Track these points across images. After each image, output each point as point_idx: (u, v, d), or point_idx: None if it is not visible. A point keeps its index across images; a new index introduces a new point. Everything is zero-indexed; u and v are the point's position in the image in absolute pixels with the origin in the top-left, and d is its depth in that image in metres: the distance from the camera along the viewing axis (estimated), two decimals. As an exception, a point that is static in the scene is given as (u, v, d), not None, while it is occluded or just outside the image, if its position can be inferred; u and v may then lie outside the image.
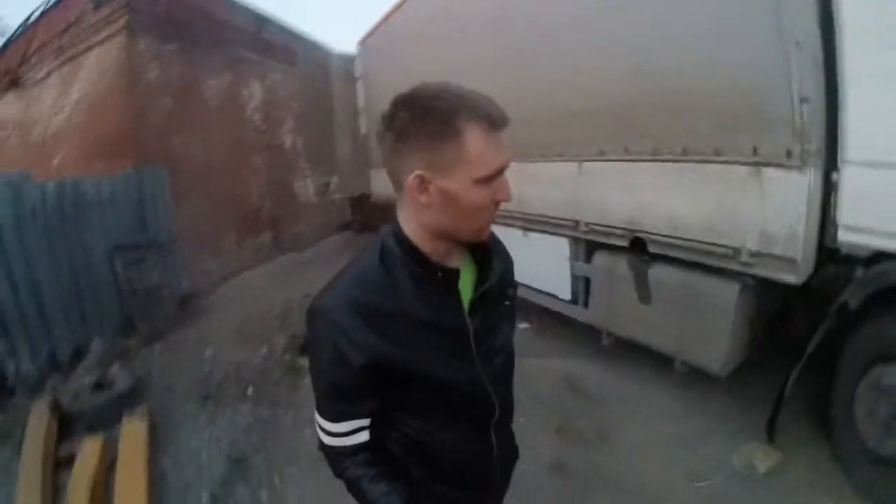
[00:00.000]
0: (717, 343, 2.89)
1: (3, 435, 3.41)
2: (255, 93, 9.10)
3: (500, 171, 0.83)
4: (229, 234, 8.42)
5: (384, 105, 0.85)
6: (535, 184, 3.98)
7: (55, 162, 7.45)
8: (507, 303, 1.04)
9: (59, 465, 2.96)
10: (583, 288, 3.83)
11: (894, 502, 2.26)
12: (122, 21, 6.61)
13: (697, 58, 2.72)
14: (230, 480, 2.76)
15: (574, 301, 3.91)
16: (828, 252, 2.47)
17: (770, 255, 2.55)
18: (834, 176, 2.34)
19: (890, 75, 2.07)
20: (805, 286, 2.53)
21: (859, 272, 2.34)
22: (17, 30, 8.53)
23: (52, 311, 4.62)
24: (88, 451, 2.87)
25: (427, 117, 0.78)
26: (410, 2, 5.79)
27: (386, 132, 0.83)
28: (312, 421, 2.94)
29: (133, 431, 3.05)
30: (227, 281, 7.64)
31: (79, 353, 4.60)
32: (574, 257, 3.86)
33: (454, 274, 0.90)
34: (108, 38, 6.80)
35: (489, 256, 0.97)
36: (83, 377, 3.96)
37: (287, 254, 9.21)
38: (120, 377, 3.88)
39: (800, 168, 2.36)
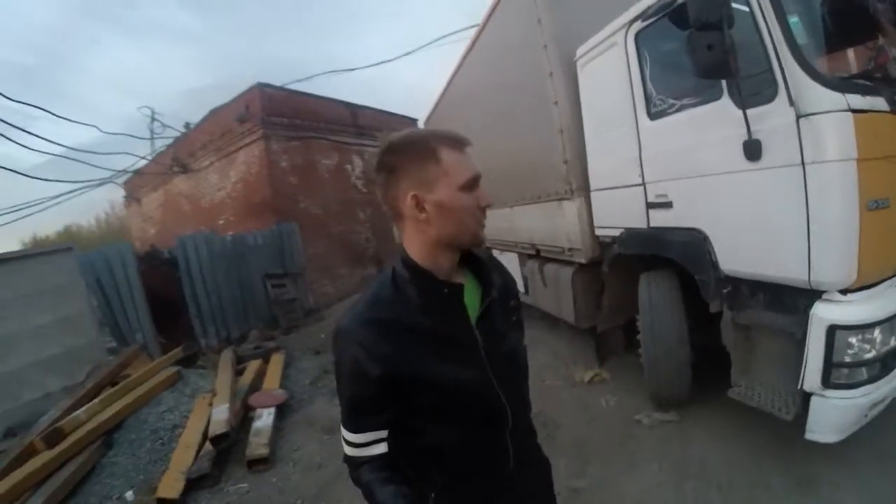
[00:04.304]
0: (568, 305, 4.16)
1: (203, 367, 5.99)
2: (356, 165, 12.05)
3: (475, 180, 0.94)
4: (342, 267, 11.13)
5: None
6: (499, 221, 5.76)
7: (221, 222, 10.74)
8: (514, 318, 1.11)
9: (237, 376, 5.39)
10: (524, 282, 5.34)
11: (657, 390, 3.25)
12: (259, 132, 9.71)
13: (530, 154, 4.42)
14: (320, 376, 5.15)
15: (525, 292, 5.32)
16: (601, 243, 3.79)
17: (573, 249, 3.97)
18: (590, 199, 3.73)
19: (601, 148, 3.54)
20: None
21: (611, 251, 3.61)
22: (180, 135, 12.66)
23: (228, 312, 7.56)
24: (252, 364, 5.33)
25: (409, 150, 0.93)
26: (450, 89, 7.22)
27: (379, 174, 0.96)
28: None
29: (276, 358, 5.56)
30: (340, 301, 10.24)
31: (243, 338, 7.41)
32: (521, 264, 5.41)
33: (458, 289, 0.98)
34: (250, 143, 9.95)
35: (488, 272, 1.06)
36: (247, 346, 6.60)
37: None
38: (268, 345, 6.43)
39: (571, 199, 3.86)
